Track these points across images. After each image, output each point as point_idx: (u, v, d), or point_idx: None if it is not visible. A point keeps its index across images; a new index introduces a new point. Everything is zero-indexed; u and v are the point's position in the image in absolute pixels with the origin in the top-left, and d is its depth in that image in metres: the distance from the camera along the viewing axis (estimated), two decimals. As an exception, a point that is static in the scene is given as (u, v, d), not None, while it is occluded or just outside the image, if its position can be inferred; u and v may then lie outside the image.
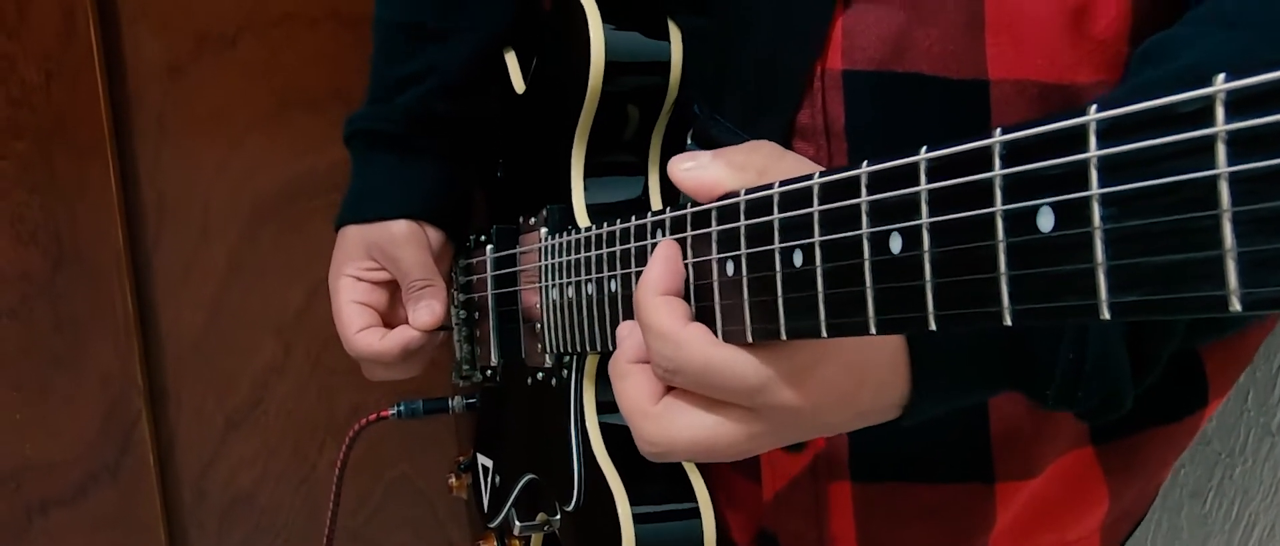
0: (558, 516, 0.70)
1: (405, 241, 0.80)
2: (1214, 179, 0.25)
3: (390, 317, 0.83)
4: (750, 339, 0.43)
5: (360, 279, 0.82)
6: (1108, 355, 0.47)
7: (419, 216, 0.81)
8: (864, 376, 0.45)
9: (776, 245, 0.40)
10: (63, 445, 1.17)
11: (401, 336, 0.80)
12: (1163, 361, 0.49)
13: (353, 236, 0.82)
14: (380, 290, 0.83)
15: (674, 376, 0.45)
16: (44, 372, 1.14)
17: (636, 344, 0.48)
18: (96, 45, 1.06)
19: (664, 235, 0.49)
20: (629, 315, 0.54)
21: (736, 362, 0.43)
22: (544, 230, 0.68)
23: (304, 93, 1.12)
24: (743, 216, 0.42)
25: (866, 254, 0.36)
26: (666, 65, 0.66)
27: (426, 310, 0.80)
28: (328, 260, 0.85)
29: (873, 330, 0.36)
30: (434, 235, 0.83)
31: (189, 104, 1.12)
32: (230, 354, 1.20)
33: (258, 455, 1.24)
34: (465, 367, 0.87)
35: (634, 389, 0.47)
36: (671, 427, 0.46)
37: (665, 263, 0.47)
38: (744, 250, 0.42)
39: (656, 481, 0.63)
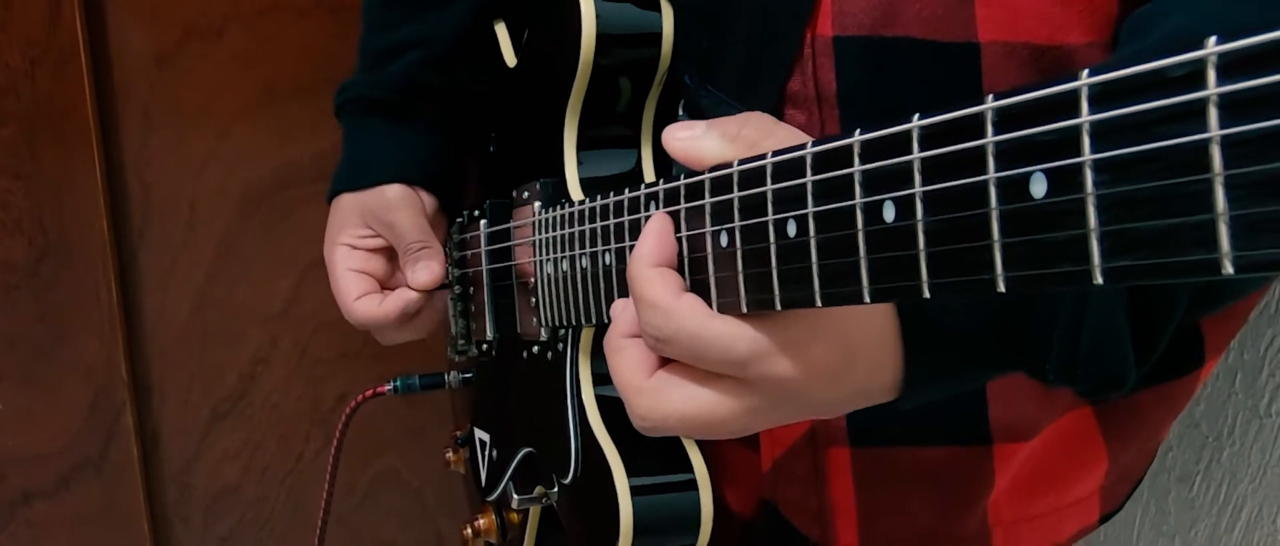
0: (555, 489, 0.70)
1: (400, 205, 0.80)
2: (1206, 142, 0.25)
3: (388, 284, 0.83)
4: (745, 309, 0.43)
5: (356, 247, 0.82)
6: (1106, 333, 0.47)
7: (413, 181, 0.81)
8: (857, 353, 0.45)
9: (770, 216, 0.40)
10: (46, 437, 1.16)
11: (400, 299, 0.80)
12: (1167, 339, 0.49)
13: (347, 205, 0.82)
14: (377, 257, 0.82)
15: (665, 346, 0.45)
16: (27, 363, 1.14)
17: (630, 318, 0.48)
18: (82, 33, 1.05)
19: (658, 207, 0.49)
20: (623, 287, 0.54)
21: (727, 332, 0.43)
22: (537, 204, 0.68)
23: (292, 82, 1.12)
24: (736, 188, 0.42)
25: (860, 223, 0.36)
26: (658, 36, 0.66)
27: (424, 270, 0.79)
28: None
29: (867, 299, 0.36)
30: (428, 200, 0.82)
31: (176, 94, 1.11)
32: (216, 345, 1.19)
33: (243, 447, 1.23)
34: (461, 342, 0.87)
35: (627, 363, 0.47)
36: (666, 402, 0.46)
37: (658, 236, 0.47)
38: (738, 222, 0.43)
39: (654, 453, 0.63)
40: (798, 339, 0.43)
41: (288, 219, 1.16)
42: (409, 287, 0.80)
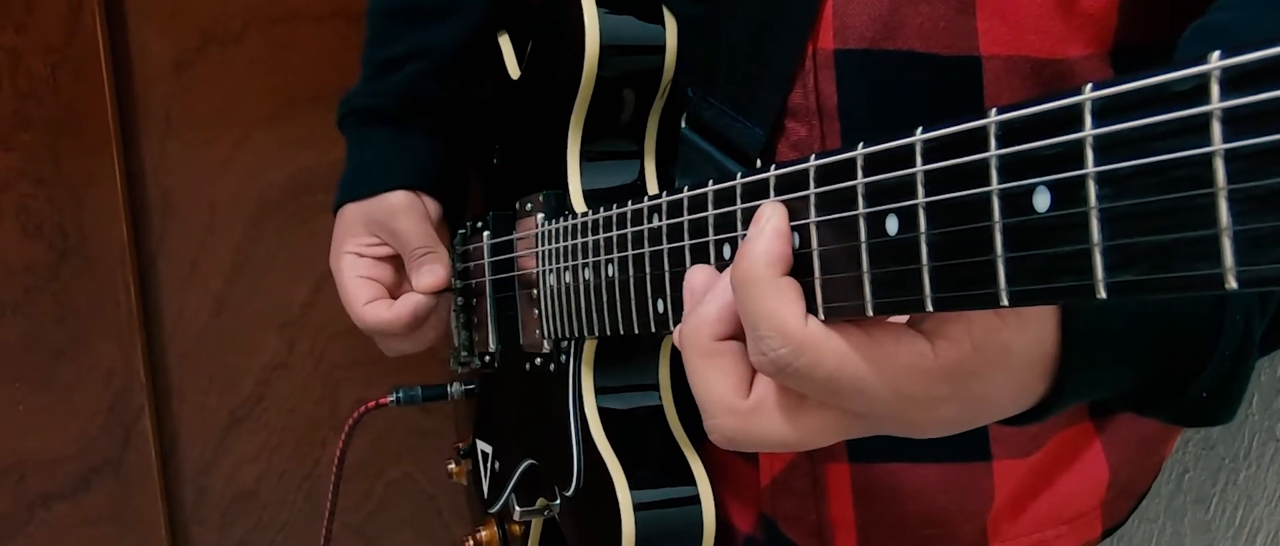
0: (557, 501, 0.70)
1: (404, 211, 0.80)
2: (1209, 157, 0.25)
3: (395, 292, 0.83)
4: None
5: (362, 255, 0.82)
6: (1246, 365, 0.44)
7: (416, 186, 0.82)
8: (1003, 402, 0.41)
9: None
10: (65, 439, 1.17)
11: (409, 302, 0.80)
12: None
13: (352, 214, 0.82)
14: (383, 265, 0.83)
15: (782, 375, 0.39)
16: (47, 366, 1.15)
17: (721, 316, 0.41)
18: (102, 39, 1.06)
19: (661, 220, 0.49)
20: (626, 300, 0.54)
21: (865, 378, 0.37)
22: (540, 215, 0.69)
23: (310, 89, 1.12)
24: (738, 200, 0.42)
25: (863, 236, 0.36)
26: (661, 48, 0.66)
27: (429, 273, 0.80)
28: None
29: (870, 312, 0.36)
30: (432, 205, 0.83)
31: (195, 100, 1.12)
32: (234, 350, 1.20)
33: (260, 452, 1.24)
34: (463, 354, 0.88)
35: (722, 377, 0.41)
36: (760, 428, 0.41)
37: (780, 234, 0.39)
38: (740, 234, 0.42)
39: (656, 466, 0.63)
40: (944, 394, 0.39)
41: (305, 225, 1.16)
42: (416, 292, 0.80)
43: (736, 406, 0.41)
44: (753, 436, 0.41)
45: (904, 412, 0.39)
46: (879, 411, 0.39)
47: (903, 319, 0.39)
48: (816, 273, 0.38)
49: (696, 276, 0.44)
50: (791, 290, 0.38)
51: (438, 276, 0.80)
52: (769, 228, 0.39)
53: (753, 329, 0.39)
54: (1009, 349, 0.38)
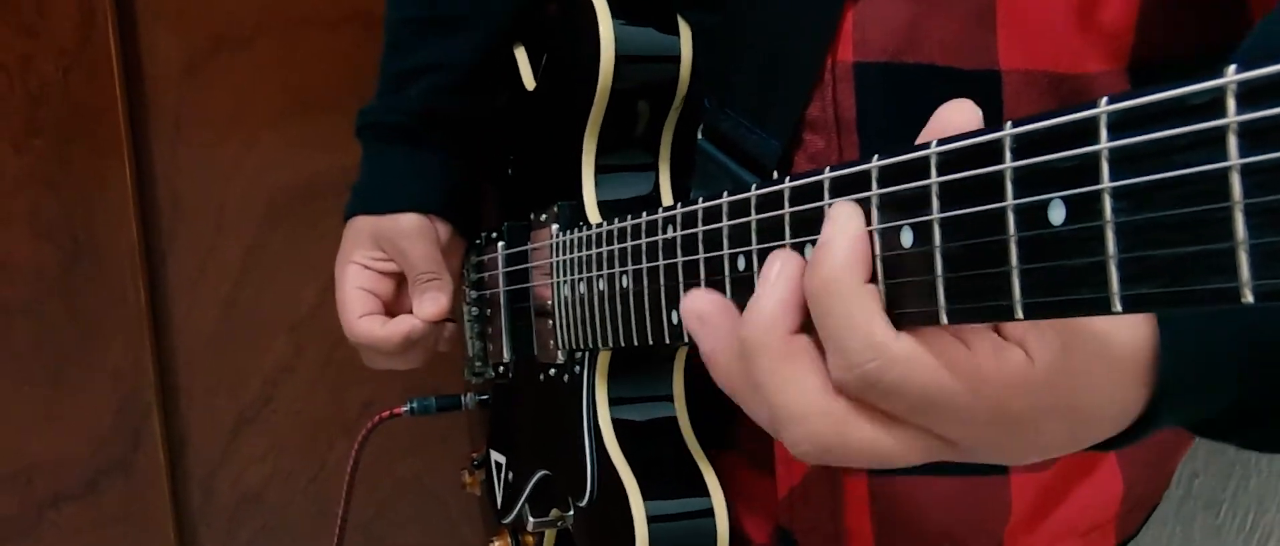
0: (571, 512, 0.70)
1: (415, 235, 0.81)
2: (1226, 171, 0.25)
3: (393, 309, 0.84)
4: None
5: (367, 267, 0.83)
6: None
7: (429, 210, 0.82)
8: (1093, 425, 0.39)
9: (788, 240, 0.40)
10: (74, 440, 1.17)
11: (404, 325, 0.81)
12: None
13: (362, 226, 0.83)
14: (386, 280, 0.84)
15: (869, 391, 0.35)
16: (56, 367, 1.15)
17: (792, 310, 0.37)
18: (114, 43, 1.07)
19: (675, 231, 0.49)
20: (640, 311, 0.54)
21: (958, 397, 0.34)
22: (555, 227, 0.69)
23: (320, 93, 1.13)
24: (753, 211, 0.42)
25: (877, 249, 0.36)
26: (677, 59, 0.66)
27: (431, 302, 0.81)
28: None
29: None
30: (443, 230, 0.84)
31: (205, 103, 1.12)
32: (242, 352, 1.20)
33: (268, 453, 1.24)
34: (478, 364, 0.88)
35: (809, 377, 0.36)
36: (858, 432, 0.36)
37: (863, 238, 0.35)
38: (754, 246, 0.43)
39: (670, 478, 0.63)
40: (1047, 406, 0.36)
41: (314, 228, 1.17)
42: (416, 317, 0.81)
43: (830, 408, 0.36)
44: (849, 442, 0.36)
45: (1001, 436, 0.36)
46: (977, 434, 0.36)
47: (988, 328, 0.36)
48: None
49: (772, 270, 0.39)
50: (875, 298, 0.35)
51: (440, 305, 0.81)
52: (852, 227, 0.35)
53: (835, 340, 0.35)
54: (1106, 341, 0.36)
